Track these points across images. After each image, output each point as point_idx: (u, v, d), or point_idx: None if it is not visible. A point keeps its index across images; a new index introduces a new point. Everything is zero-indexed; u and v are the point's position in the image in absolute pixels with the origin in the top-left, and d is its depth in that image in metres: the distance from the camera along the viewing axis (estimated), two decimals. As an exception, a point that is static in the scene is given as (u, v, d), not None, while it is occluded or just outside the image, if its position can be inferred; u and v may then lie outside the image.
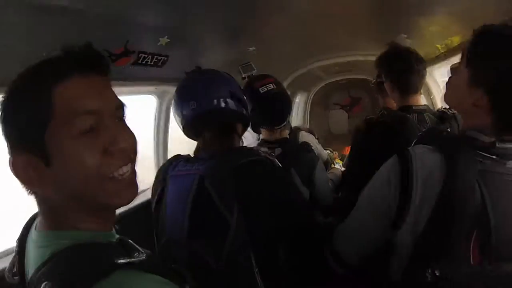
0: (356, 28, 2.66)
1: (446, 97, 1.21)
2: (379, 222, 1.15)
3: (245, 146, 1.50)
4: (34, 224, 0.81)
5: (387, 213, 1.11)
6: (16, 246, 0.82)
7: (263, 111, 1.91)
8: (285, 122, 2.04)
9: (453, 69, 1.17)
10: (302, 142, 2.22)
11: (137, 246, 0.74)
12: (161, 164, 2.23)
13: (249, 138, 1.60)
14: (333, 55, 3.51)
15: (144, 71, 1.77)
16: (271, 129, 2.02)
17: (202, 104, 1.35)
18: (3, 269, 1.34)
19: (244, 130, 1.50)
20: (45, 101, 0.69)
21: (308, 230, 1.36)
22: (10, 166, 0.72)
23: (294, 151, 1.96)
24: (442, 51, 2.50)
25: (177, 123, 1.45)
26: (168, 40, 1.69)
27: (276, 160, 1.38)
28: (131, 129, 0.80)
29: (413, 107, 1.94)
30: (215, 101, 1.35)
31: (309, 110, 5.30)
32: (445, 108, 1.94)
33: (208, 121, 1.38)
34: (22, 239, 0.82)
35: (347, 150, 3.99)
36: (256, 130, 2.05)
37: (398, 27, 2.46)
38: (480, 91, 1.00)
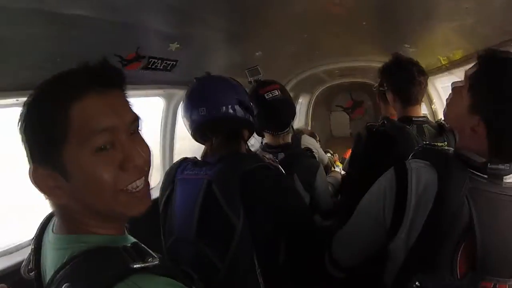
0: (361, 35, 2.68)
1: (446, 117, 1.26)
2: (374, 231, 1.21)
3: (251, 151, 1.56)
4: (50, 225, 0.85)
5: (383, 223, 1.17)
6: (33, 244, 0.87)
7: (267, 117, 1.95)
8: (288, 128, 2.09)
9: (455, 88, 1.20)
10: (304, 147, 2.26)
11: (150, 251, 0.76)
12: (167, 164, 2.30)
13: (253, 142, 1.64)
14: (336, 60, 3.54)
15: (153, 74, 1.82)
16: (274, 134, 2.07)
17: (211, 111, 1.40)
18: (12, 266, 1.42)
19: (250, 135, 1.55)
20: (62, 120, 0.72)
21: (308, 234, 1.41)
22: (29, 175, 0.75)
23: (297, 157, 2.00)
24: (444, 63, 2.54)
25: (186, 127, 1.50)
26: (178, 45, 1.73)
27: (280, 166, 1.43)
28: (145, 141, 0.84)
29: (413, 118, 1.98)
30: (224, 108, 1.40)
31: (311, 112, 5.33)
32: (444, 120, 1.98)
33: (216, 127, 1.43)
34: (39, 238, 0.87)
35: (347, 153, 4.03)
36: (259, 134, 2.09)
37: (402, 35, 2.49)
38: (478, 118, 1.05)
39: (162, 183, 1.50)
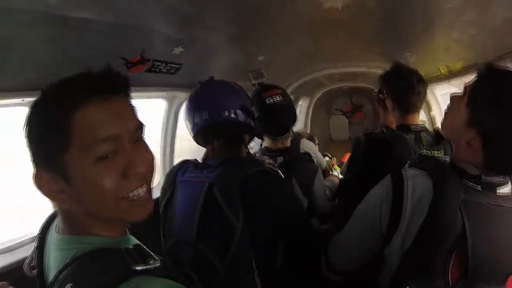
0: (362, 41, 2.71)
1: (443, 128, 1.29)
2: (370, 237, 1.23)
3: (251, 155, 1.58)
4: (54, 224, 0.87)
5: (378, 229, 1.19)
6: (36, 242, 0.89)
7: (267, 121, 1.97)
8: (288, 133, 2.11)
9: (453, 99, 1.22)
10: (303, 151, 2.28)
11: (152, 253, 0.78)
12: (167, 165, 2.32)
13: (252, 144, 1.66)
14: (337, 65, 3.56)
15: (156, 77, 1.84)
16: (273, 138, 2.10)
17: (213, 115, 1.42)
18: (13, 263, 1.43)
19: (251, 139, 1.58)
20: (65, 127, 0.72)
21: (306, 238, 1.44)
22: (33, 178, 0.75)
23: (295, 161, 2.03)
24: (444, 72, 2.56)
25: (188, 129, 1.53)
26: (182, 49, 1.76)
27: (279, 171, 1.46)
28: (149, 148, 0.84)
29: (411, 127, 2.00)
30: (226, 112, 1.43)
31: (310, 115, 5.35)
32: (441, 131, 2.00)
33: (218, 131, 1.46)
34: (42, 237, 0.89)
35: (346, 157, 4.04)
36: (259, 137, 2.12)
37: (403, 43, 2.51)
38: (475, 132, 1.08)
39: (163, 184, 1.52)
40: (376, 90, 2.39)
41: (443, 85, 2.88)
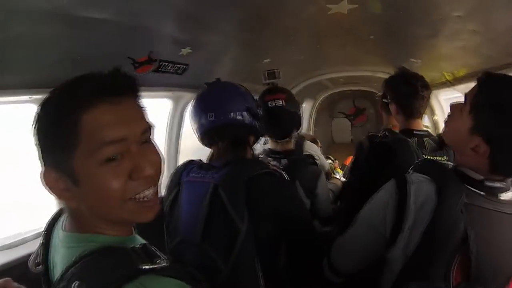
0: (367, 47, 2.72)
1: (446, 136, 1.30)
2: (373, 241, 1.25)
3: (256, 156, 1.59)
4: (60, 221, 0.87)
5: (382, 233, 1.20)
6: (42, 239, 0.89)
7: (269, 124, 1.95)
8: (289, 138, 2.11)
9: (454, 108, 1.23)
10: (307, 154, 2.29)
11: (158, 253, 0.77)
12: (171, 164, 2.33)
13: (257, 146, 1.67)
14: (341, 69, 3.57)
15: (162, 77, 1.86)
16: (275, 140, 2.11)
17: (219, 116, 1.44)
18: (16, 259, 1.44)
19: (256, 141, 1.59)
20: (72, 128, 0.72)
21: (308, 240, 1.45)
22: (41, 177, 0.76)
23: (299, 163, 2.03)
24: (448, 79, 2.57)
25: (193, 130, 1.55)
26: (190, 50, 1.77)
27: (283, 173, 1.47)
28: (157, 150, 0.84)
29: (414, 131, 2.01)
30: (232, 114, 1.45)
31: (314, 117, 5.35)
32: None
33: (224, 133, 1.47)
34: (48, 234, 0.89)
35: (348, 160, 4.04)
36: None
37: (408, 50, 2.52)
38: (480, 139, 1.09)
39: (168, 184, 1.53)
40: (380, 94, 2.40)
41: (447, 91, 2.89)
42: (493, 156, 1.09)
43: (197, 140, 1.57)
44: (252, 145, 1.58)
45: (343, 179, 2.85)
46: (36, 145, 0.77)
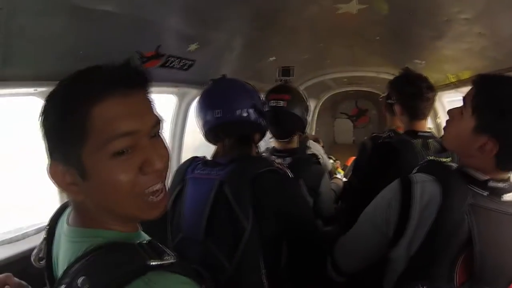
0: (372, 48, 2.73)
1: (447, 140, 1.29)
2: (377, 240, 1.25)
3: (261, 154, 1.59)
4: (65, 215, 0.85)
5: (385, 233, 1.21)
6: (45, 233, 0.88)
7: (270, 123, 1.95)
8: (290, 138, 2.08)
9: (453, 113, 1.24)
10: (311, 153, 2.28)
11: (165, 249, 0.76)
12: (175, 161, 2.33)
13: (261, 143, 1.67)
14: (345, 69, 3.57)
15: (168, 73, 1.85)
16: (278, 140, 2.11)
17: (226, 113, 1.44)
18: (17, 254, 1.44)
19: (261, 139, 1.58)
20: (82, 121, 0.70)
21: (311, 239, 1.45)
22: (48, 170, 0.74)
23: (303, 162, 2.03)
24: (453, 81, 2.57)
25: (199, 126, 1.54)
26: (197, 46, 1.77)
27: (288, 171, 1.47)
28: (166, 144, 0.82)
29: (419, 133, 2.01)
30: (238, 111, 1.44)
31: (316, 117, 5.32)
32: (443, 144, 2.01)
33: (230, 130, 1.47)
34: (51, 228, 0.88)
35: (350, 161, 4.05)
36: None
37: (413, 51, 2.53)
38: (486, 137, 1.09)
39: (172, 180, 1.53)
40: (384, 95, 2.40)
41: (451, 93, 2.89)
42: (501, 152, 1.09)
43: (196, 137, 1.57)
44: (257, 143, 1.58)
45: (345, 179, 2.85)
46: (42, 137, 0.75)
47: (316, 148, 2.62)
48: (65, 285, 0.67)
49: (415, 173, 1.25)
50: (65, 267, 0.72)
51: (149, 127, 0.76)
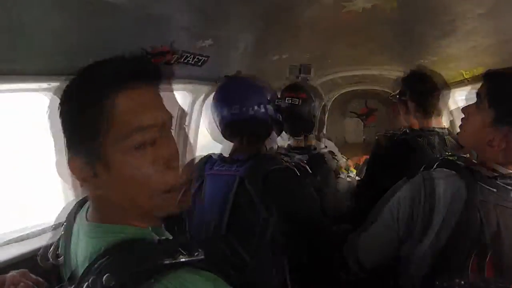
0: (379, 46, 2.71)
1: (464, 137, 1.29)
2: (400, 236, 1.24)
3: (278, 151, 1.58)
4: (83, 211, 0.83)
5: (409, 227, 1.20)
6: (62, 229, 0.86)
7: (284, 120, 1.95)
8: (302, 136, 2.09)
9: (467, 109, 1.23)
10: (328, 150, 2.27)
11: (193, 245, 0.73)
12: (189, 158, 2.31)
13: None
14: (353, 68, 3.54)
15: (182, 69, 1.84)
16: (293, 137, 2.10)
17: (243, 109, 1.43)
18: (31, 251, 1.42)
19: (278, 135, 1.59)
20: (103, 113, 0.69)
21: (318, 236, 1.44)
22: (67, 162, 0.72)
23: (320, 159, 2.02)
24: (467, 77, 2.54)
25: (215, 123, 1.53)
26: (212, 42, 1.75)
27: (307, 167, 1.49)
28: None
29: (435, 129, 2.00)
30: (256, 107, 1.44)
31: (326, 117, 5.23)
32: (459, 142, 1.99)
33: (248, 126, 1.46)
34: (68, 225, 0.85)
35: (361, 160, 4.02)
36: None
37: (424, 47, 2.50)
38: (507, 128, 1.09)
39: None
40: (394, 94, 2.38)
41: (462, 91, 2.86)
42: None
43: (200, 138, 1.56)
44: (273, 139, 1.56)
45: (358, 178, 2.83)
46: (62, 128, 0.74)
47: (332, 145, 2.60)
48: (88, 283, 0.64)
49: (435, 169, 1.24)
50: (85, 264, 0.69)
51: (170, 121, 0.76)
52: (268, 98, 1.48)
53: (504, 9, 1.58)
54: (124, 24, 1.38)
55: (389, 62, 3.14)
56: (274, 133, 1.56)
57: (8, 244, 1.52)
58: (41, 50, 1.25)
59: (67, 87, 0.74)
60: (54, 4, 1.12)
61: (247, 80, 1.55)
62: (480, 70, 2.40)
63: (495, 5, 1.55)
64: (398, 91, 2.29)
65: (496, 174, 1.12)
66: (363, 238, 1.36)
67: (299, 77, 2.16)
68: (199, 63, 1.83)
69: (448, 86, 2.05)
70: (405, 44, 2.49)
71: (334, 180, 2.06)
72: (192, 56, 1.75)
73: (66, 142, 0.74)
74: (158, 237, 0.75)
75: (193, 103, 2.29)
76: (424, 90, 2.02)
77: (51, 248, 0.85)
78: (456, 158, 1.29)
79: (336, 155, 2.28)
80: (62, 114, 0.73)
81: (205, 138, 1.76)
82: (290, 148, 2.11)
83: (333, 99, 4.90)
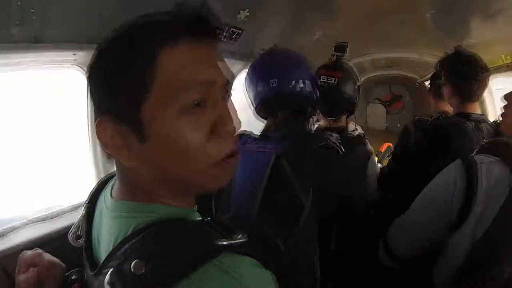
0: (416, 25, 2.61)
1: (508, 126, 1.23)
2: (439, 222, 1.19)
3: (320, 128, 1.52)
4: (107, 189, 0.74)
5: (448, 215, 1.15)
6: (84, 209, 0.77)
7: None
8: (337, 117, 2.00)
9: (509, 97, 1.18)
10: (358, 134, 2.21)
11: (234, 227, 0.64)
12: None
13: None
14: (387, 49, 3.45)
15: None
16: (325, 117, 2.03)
17: (282, 83, 1.36)
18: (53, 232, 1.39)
19: (314, 113, 1.51)
20: (147, 67, 0.59)
21: (362, 220, 1.39)
22: (95, 127, 0.62)
23: (352, 141, 1.96)
24: (506, 62, 2.43)
25: (249, 99, 1.47)
26: (248, 14, 1.67)
27: (342, 148, 1.40)
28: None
29: (472, 115, 1.92)
30: (294, 82, 1.37)
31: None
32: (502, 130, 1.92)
33: (286, 101, 1.39)
34: (91, 204, 0.76)
35: (384, 147, 3.96)
36: None
37: (462, 29, 2.41)
38: None
39: None
40: (420, 79, 2.31)
41: (500, 78, 2.76)
42: None
43: None
44: (310, 117, 1.50)
45: (380, 165, 2.77)
46: (89, 91, 0.65)
47: (360, 130, 2.54)
48: (112, 269, 0.55)
49: (477, 154, 1.19)
50: (110, 247, 0.61)
51: (223, 82, 0.65)
52: (308, 73, 1.41)
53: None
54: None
55: (427, 44, 3.03)
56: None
57: (38, 221, 1.49)
58: (66, 17, 1.19)
59: (103, 40, 0.64)
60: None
61: (286, 54, 1.48)
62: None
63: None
64: (431, 74, 2.20)
65: None
66: (397, 226, 1.32)
67: (334, 56, 2.07)
68: (233, 36, 1.76)
69: (488, 70, 1.95)
70: (451, 22, 2.39)
71: (373, 163, 2.00)
72: (226, 28, 1.68)
73: (96, 107, 0.65)
74: (195, 218, 0.67)
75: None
76: (463, 73, 1.93)
77: (72, 229, 0.76)
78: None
79: (367, 138, 2.21)
80: (94, 69, 0.64)
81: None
82: (320, 130, 2.05)
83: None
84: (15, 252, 1.18)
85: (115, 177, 0.73)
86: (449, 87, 2.01)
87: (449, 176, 1.18)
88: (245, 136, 1.42)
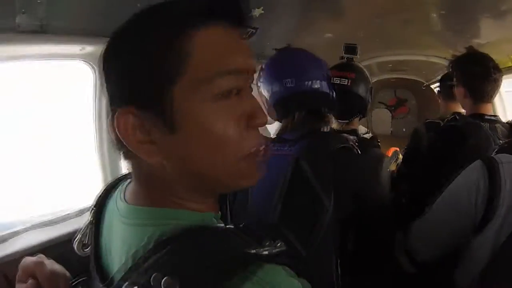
0: (424, 26, 2.58)
1: None
2: (461, 225, 1.16)
3: (333, 130, 1.49)
4: (117, 193, 0.67)
5: (471, 218, 1.12)
6: (91, 216, 0.69)
7: None
8: (349, 120, 1.96)
9: None
10: (371, 136, 2.18)
11: (264, 235, 0.58)
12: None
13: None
14: (394, 52, 3.44)
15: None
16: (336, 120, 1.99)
17: (299, 82, 1.33)
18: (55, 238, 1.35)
19: (330, 112, 1.46)
20: (178, 50, 0.53)
21: (383, 222, 1.36)
22: (114, 120, 0.55)
23: (366, 143, 1.93)
24: (512, 64, 2.42)
25: (262, 100, 1.43)
26: (262, 11, 1.64)
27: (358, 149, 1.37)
28: None
29: (486, 116, 1.90)
30: (310, 82, 1.34)
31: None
32: None
33: (302, 101, 1.35)
34: (99, 210, 0.69)
35: (390, 152, 3.93)
36: None
37: (469, 29, 2.40)
38: None
39: None
40: (426, 83, 2.29)
41: (509, 80, 2.74)
42: None
43: None
44: (326, 118, 1.45)
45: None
46: (107, 79, 0.59)
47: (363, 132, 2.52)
48: (137, 287, 0.48)
49: (497, 154, 1.17)
50: (124, 257, 0.55)
51: (255, 71, 0.62)
52: (324, 73, 1.38)
53: None
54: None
55: (435, 45, 3.01)
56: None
57: (44, 226, 1.45)
58: (73, 8, 1.16)
59: (127, 20, 0.58)
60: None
61: (301, 53, 1.44)
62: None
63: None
64: (441, 76, 2.19)
65: None
66: (417, 228, 1.29)
67: (344, 58, 2.05)
68: (248, 34, 1.73)
69: (500, 70, 1.93)
70: (453, 26, 2.37)
71: (385, 167, 1.97)
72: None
73: (116, 97, 0.58)
74: (219, 224, 0.61)
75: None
76: (476, 73, 1.91)
77: (78, 237, 0.68)
78: None
79: (380, 141, 2.18)
80: (114, 53, 0.58)
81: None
82: (333, 131, 2.02)
83: None
84: (16, 258, 1.14)
85: (124, 180, 0.69)
86: (461, 88, 1.98)
87: (471, 177, 1.15)
88: None
